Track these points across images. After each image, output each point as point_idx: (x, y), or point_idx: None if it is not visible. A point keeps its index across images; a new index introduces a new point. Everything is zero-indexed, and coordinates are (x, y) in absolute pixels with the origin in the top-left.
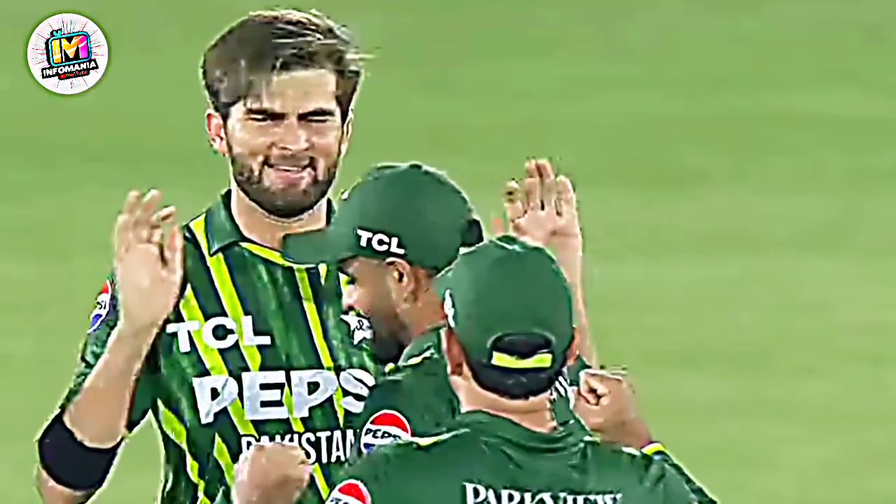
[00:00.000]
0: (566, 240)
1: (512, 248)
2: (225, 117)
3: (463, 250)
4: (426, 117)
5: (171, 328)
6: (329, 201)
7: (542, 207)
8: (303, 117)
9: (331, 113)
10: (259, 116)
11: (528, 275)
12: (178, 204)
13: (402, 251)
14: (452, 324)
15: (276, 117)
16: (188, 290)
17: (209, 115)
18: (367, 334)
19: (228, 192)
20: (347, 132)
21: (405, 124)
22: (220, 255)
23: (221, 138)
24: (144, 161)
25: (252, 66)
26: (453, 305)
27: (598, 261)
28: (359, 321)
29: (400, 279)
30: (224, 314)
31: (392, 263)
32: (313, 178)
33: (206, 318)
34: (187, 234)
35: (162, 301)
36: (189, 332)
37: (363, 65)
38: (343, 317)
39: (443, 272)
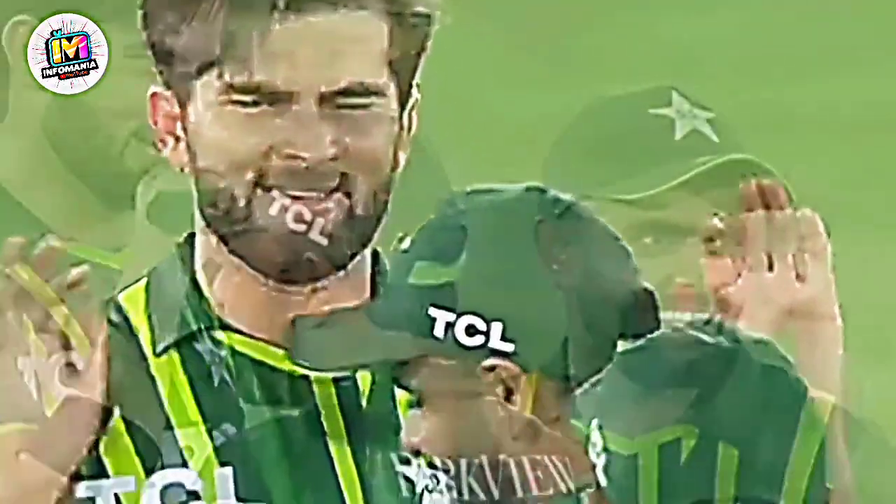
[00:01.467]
0: (814, 325)
1: (715, 343)
2: (183, 99)
3: (623, 345)
4: (550, 103)
5: (84, 489)
6: (376, 253)
7: (771, 267)
8: (327, 99)
9: (378, 92)
10: (247, 98)
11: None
12: (97, 259)
13: (510, 347)
14: (604, 482)
15: (279, 99)
16: (115, 418)
17: (154, 96)
18: (447, 500)
19: (191, 238)
20: (410, 128)
21: (513, 115)
22: (175, 353)
23: (177, 138)
24: (36, 184)
25: (233, 6)
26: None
27: (875, 363)
28: (431, 475)
29: (507, 397)
30: (181, 463)
31: (492, 369)
32: (347, 211)
33: (149, 471)
34: (113, 317)
35: (68, 440)
36: (117, 496)
37: (438, 4)
38: (401, 468)
39: (587, 385)
